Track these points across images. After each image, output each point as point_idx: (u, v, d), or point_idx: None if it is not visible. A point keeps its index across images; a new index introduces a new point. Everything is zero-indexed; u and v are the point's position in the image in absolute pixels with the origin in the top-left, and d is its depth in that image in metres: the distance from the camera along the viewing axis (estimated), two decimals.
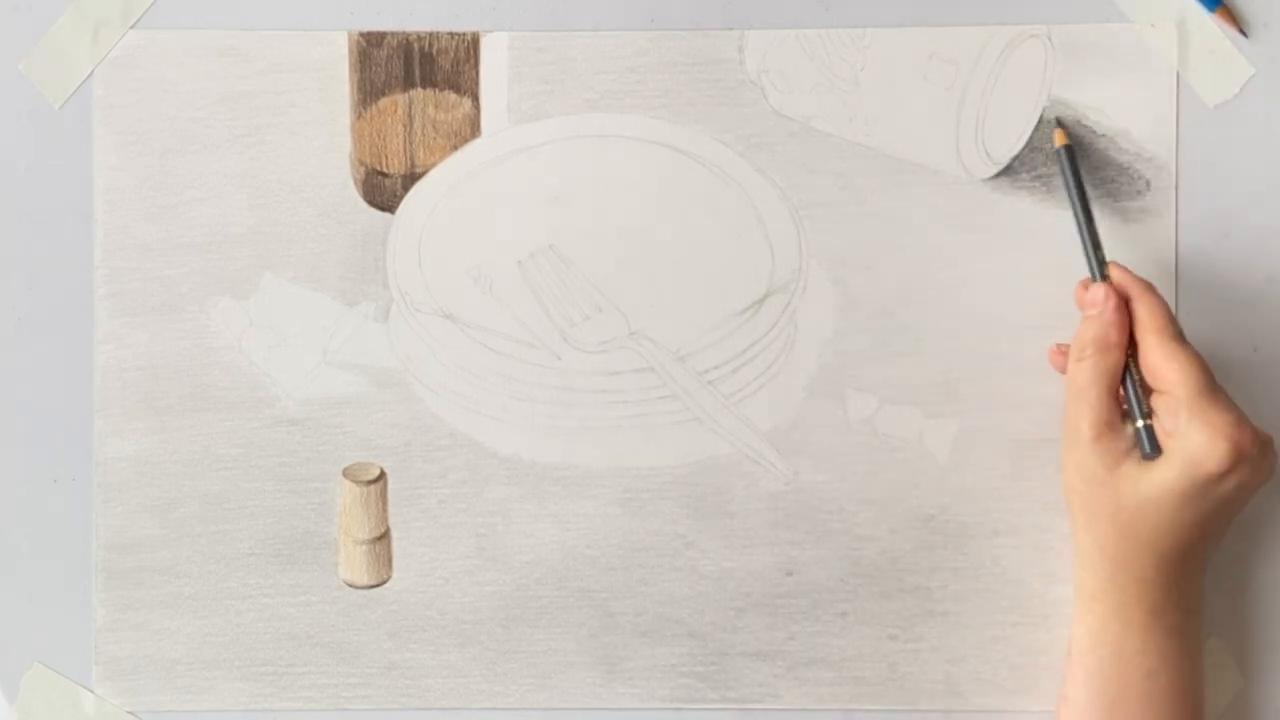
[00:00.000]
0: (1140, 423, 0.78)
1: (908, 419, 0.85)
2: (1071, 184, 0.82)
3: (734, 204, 0.85)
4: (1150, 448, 0.77)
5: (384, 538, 0.85)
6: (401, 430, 0.85)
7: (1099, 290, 0.80)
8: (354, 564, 0.85)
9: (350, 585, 0.85)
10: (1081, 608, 0.79)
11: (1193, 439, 0.75)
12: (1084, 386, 0.79)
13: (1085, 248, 0.81)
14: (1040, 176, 0.85)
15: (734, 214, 0.85)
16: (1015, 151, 0.85)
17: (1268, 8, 0.85)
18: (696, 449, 0.85)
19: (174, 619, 0.85)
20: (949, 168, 0.85)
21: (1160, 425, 0.77)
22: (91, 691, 0.85)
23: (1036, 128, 0.85)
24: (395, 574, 0.85)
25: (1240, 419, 0.76)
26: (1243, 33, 0.85)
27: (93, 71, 0.86)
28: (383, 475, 0.85)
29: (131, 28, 0.86)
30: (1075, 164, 0.82)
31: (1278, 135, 0.84)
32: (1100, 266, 0.81)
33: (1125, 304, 0.79)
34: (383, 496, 0.85)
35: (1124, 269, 0.80)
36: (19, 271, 0.86)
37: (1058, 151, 0.83)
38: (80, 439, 0.86)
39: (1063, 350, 0.81)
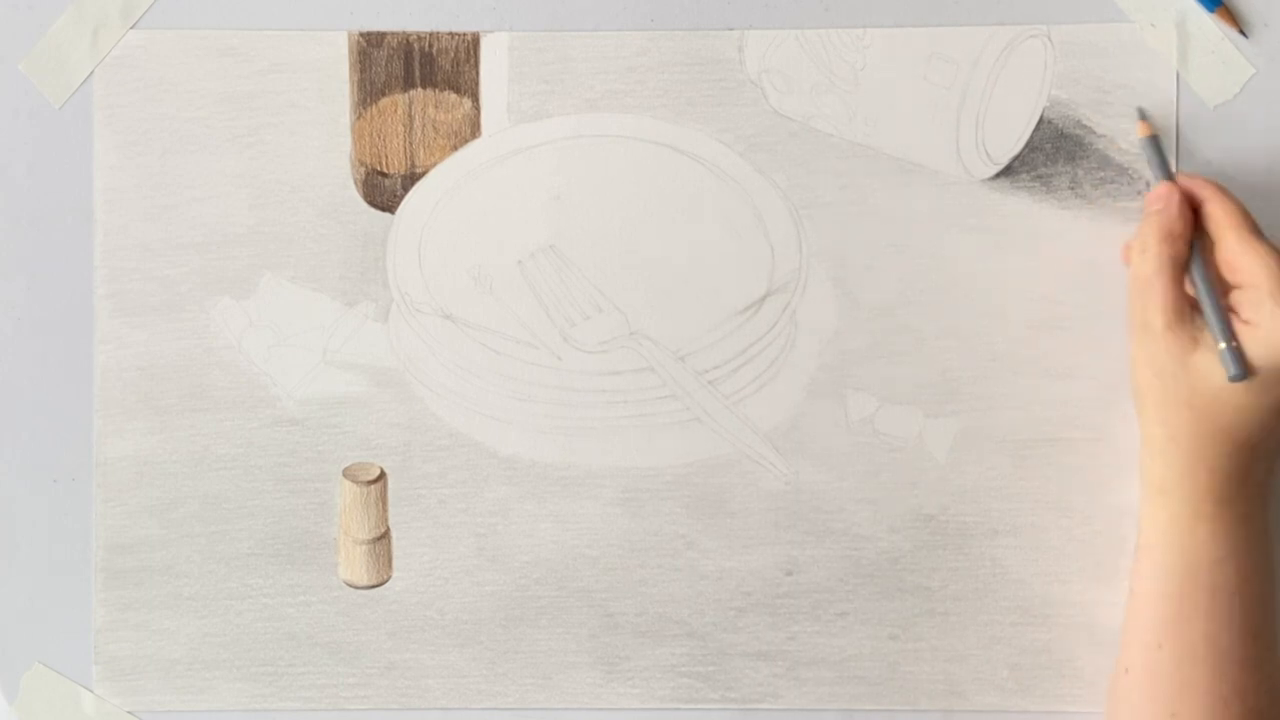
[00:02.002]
0: (1223, 345, 0.77)
1: (908, 419, 0.85)
2: (1158, 170, 0.82)
3: (734, 204, 0.85)
4: (1236, 368, 0.76)
5: (384, 538, 0.85)
6: (401, 430, 0.85)
7: (1162, 187, 0.80)
8: (354, 564, 0.85)
9: (350, 585, 0.85)
10: (1150, 501, 0.79)
11: (1271, 323, 0.76)
12: (1150, 277, 0.78)
13: (1152, 165, 0.82)
14: (1040, 176, 0.85)
15: (734, 214, 0.85)
16: (1015, 151, 0.85)
17: (1268, 8, 0.85)
18: (696, 449, 0.85)
19: (174, 619, 0.85)
20: (949, 168, 0.85)
21: (1239, 319, 0.77)
22: (91, 691, 0.85)
23: (1036, 128, 0.85)
24: (395, 574, 0.85)
25: None
26: (1243, 33, 0.85)
27: (93, 71, 0.86)
28: (383, 475, 0.85)
29: (131, 28, 0.86)
30: (1158, 147, 0.83)
31: (1278, 135, 0.84)
32: (1167, 174, 0.81)
33: (1193, 207, 0.80)
34: (383, 496, 0.85)
35: (1194, 175, 0.81)
36: (19, 271, 0.86)
37: (1143, 141, 0.83)
38: (80, 439, 0.86)
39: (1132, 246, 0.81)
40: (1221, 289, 0.79)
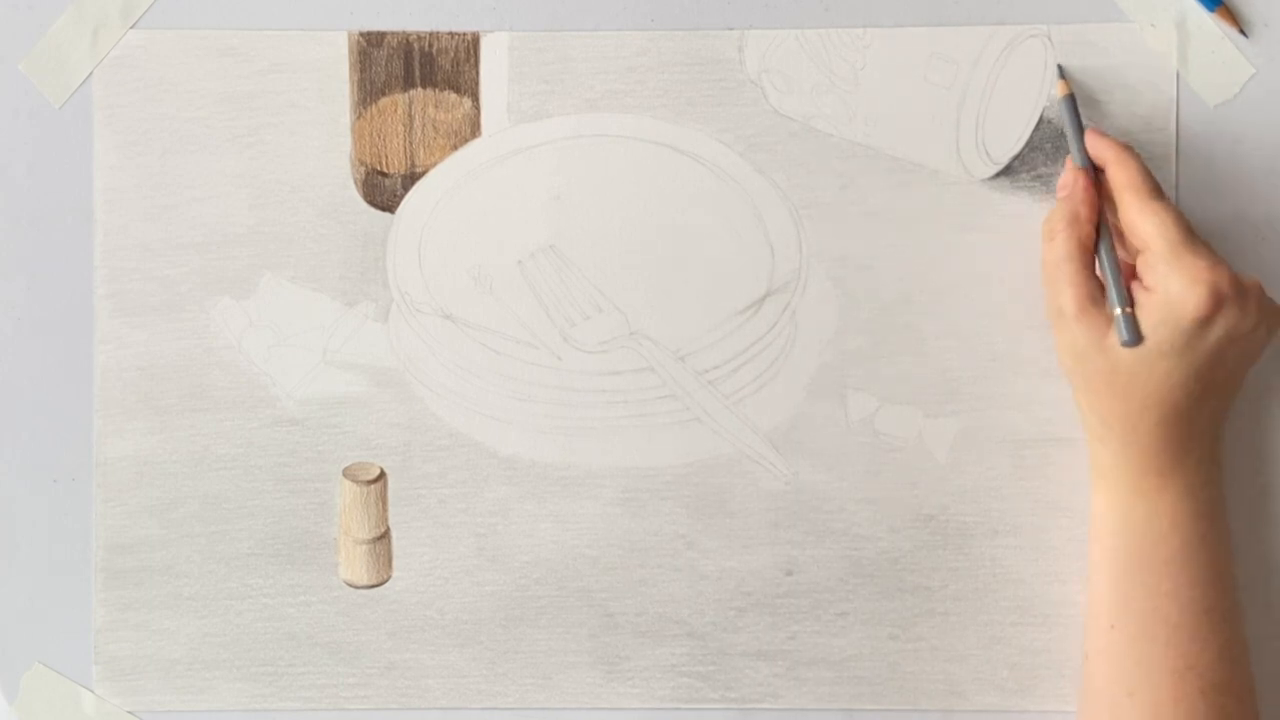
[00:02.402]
0: (1118, 310, 0.77)
1: (908, 419, 0.85)
2: (1068, 115, 0.82)
3: (734, 204, 0.85)
4: (1129, 334, 0.77)
5: (384, 538, 0.85)
6: (401, 430, 0.85)
7: (1068, 173, 0.81)
8: (354, 564, 0.85)
9: (350, 585, 0.85)
10: (1095, 486, 0.80)
11: (1171, 288, 0.76)
12: (1059, 263, 0.79)
13: (1071, 142, 0.82)
14: (1040, 176, 0.85)
15: (734, 214, 0.85)
16: (1015, 151, 0.85)
17: (1268, 8, 0.85)
18: (696, 449, 0.85)
19: (174, 619, 0.85)
20: (949, 168, 0.85)
21: (1142, 286, 0.77)
22: (91, 691, 0.85)
23: (1036, 128, 0.85)
24: (395, 574, 0.85)
25: (1216, 262, 0.76)
26: (1243, 33, 0.85)
27: (93, 71, 0.86)
28: (383, 475, 0.85)
29: (131, 28, 0.86)
30: (1074, 106, 0.83)
31: (1278, 135, 0.84)
32: (1081, 153, 0.81)
33: (1098, 178, 0.80)
34: (383, 496, 0.85)
35: (1100, 135, 0.81)
36: (19, 271, 0.86)
37: (1060, 100, 0.83)
38: (80, 439, 0.86)
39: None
40: (1129, 254, 0.79)
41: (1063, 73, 0.84)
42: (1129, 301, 0.77)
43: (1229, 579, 0.79)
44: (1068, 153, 0.83)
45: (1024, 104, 0.85)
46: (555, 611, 0.85)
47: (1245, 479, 0.84)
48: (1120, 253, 0.80)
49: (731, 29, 0.85)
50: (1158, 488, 0.78)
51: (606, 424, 0.85)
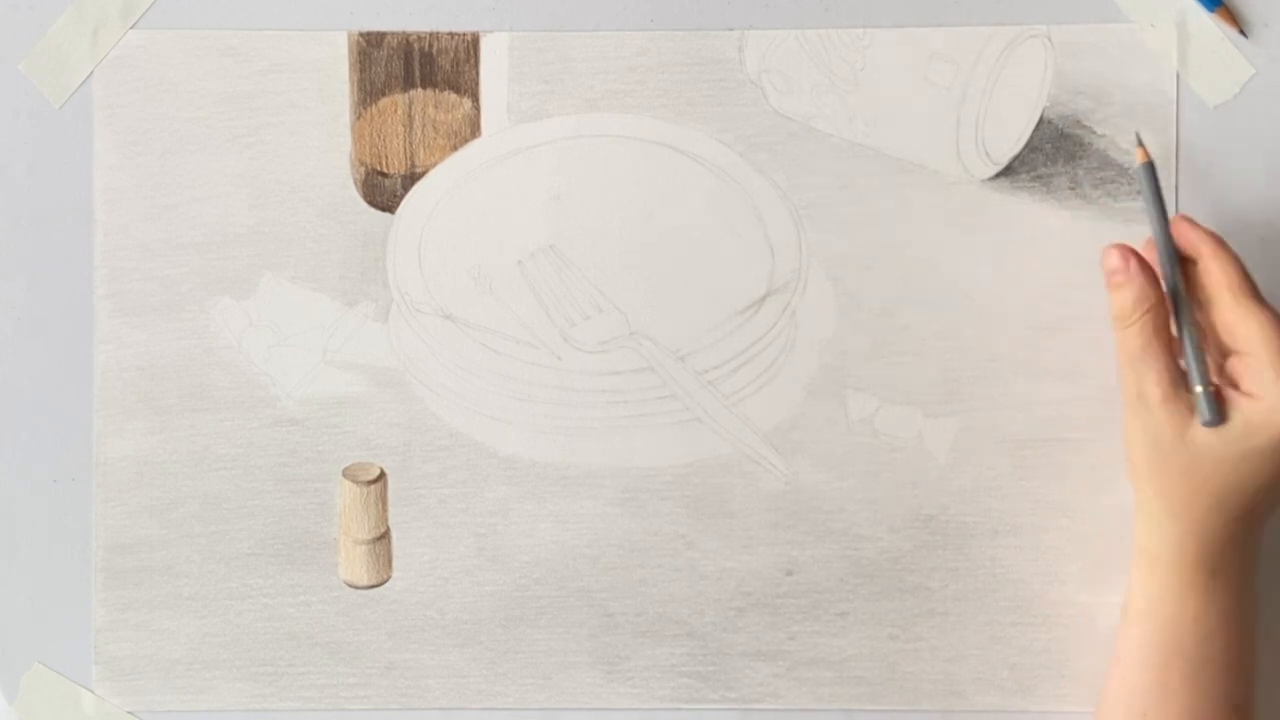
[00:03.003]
0: (1199, 388, 0.76)
1: (908, 419, 0.85)
2: (1150, 197, 0.80)
3: (734, 204, 0.85)
4: (1211, 414, 0.75)
5: (384, 538, 0.85)
6: (401, 430, 0.85)
7: (1113, 256, 0.78)
8: (354, 564, 0.85)
9: (350, 585, 0.85)
10: (1141, 570, 0.78)
11: (1275, 393, 0.74)
12: (1141, 349, 0.77)
13: (1152, 220, 0.79)
14: (1040, 176, 0.85)
15: (734, 214, 0.85)
16: (1015, 152, 0.85)
17: (1268, 8, 0.85)
18: (696, 449, 0.85)
19: (174, 619, 0.85)
20: (949, 168, 0.85)
21: (1240, 391, 0.76)
22: (91, 691, 0.85)
23: (1036, 128, 0.85)
24: (395, 574, 0.85)
25: None
26: (1243, 33, 0.85)
27: (93, 71, 0.86)
28: (383, 475, 0.85)
29: (131, 28, 0.86)
30: (1155, 179, 0.80)
31: (1278, 135, 0.84)
32: (1162, 234, 0.78)
33: (1184, 259, 0.78)
34: (383, 496, 0.85)
35: (1192, 223, 0.78)
36: (19, 271, 0.86)
37: (1140, 167, 0.81)
38: (80, 439, 0.86)
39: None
40: (1218, 349, 0.78)
41: (1140, 140, 0.81)
42: (1209, 380, 0.76)
43: (1254, 678, 0.79)
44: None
45: (1024, 104, 0.85)
46: (555, 611, 0.85)
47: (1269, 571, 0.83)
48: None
49: (731, 29, 0.85)
50: (1209, 586, 0.77)
51: (606, 424, 0.85)
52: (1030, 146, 0.85)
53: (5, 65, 0.86)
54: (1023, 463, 0.84)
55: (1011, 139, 0.85)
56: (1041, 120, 0.85)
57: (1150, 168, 0.80)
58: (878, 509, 0.85)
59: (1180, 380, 0.77)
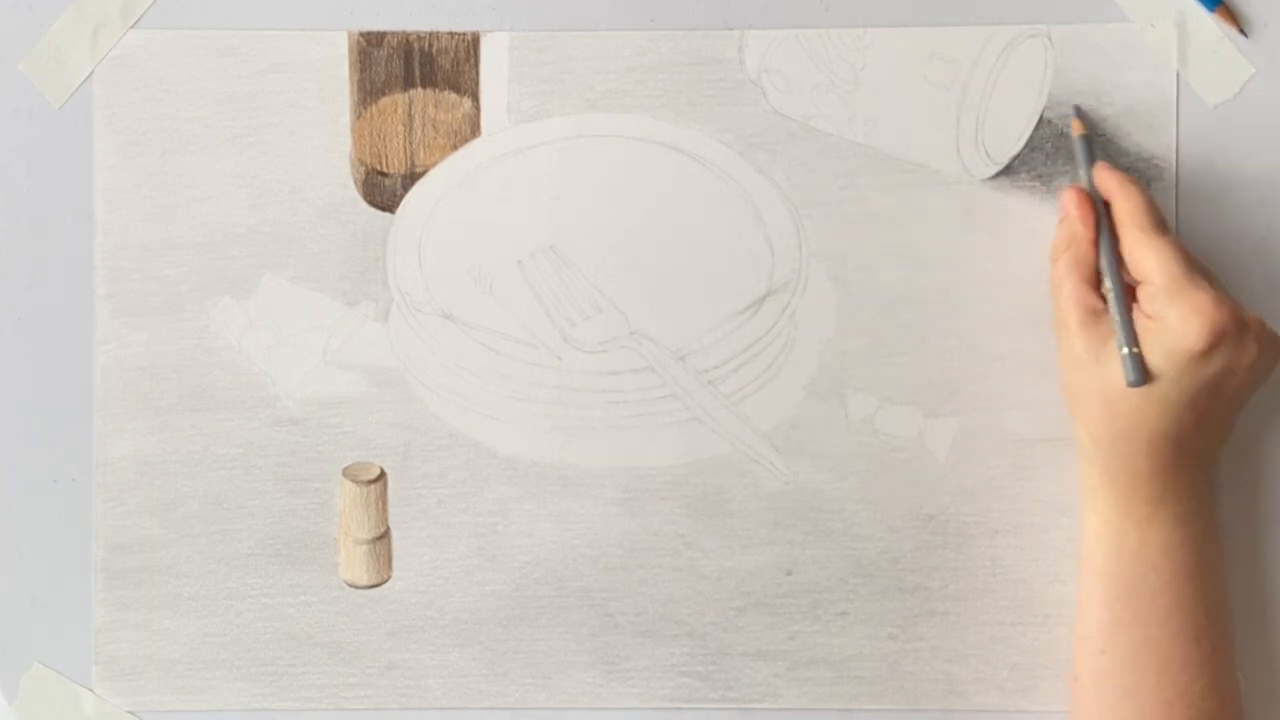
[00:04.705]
0: (1125, 350, 0.77)
1: (908, 419, 0.85)
2: (1082, 153, 0.83)
3: (734, 204, 0.85)
4: (1136, 374, 0.77)
5: (384, 538, 0.85)
6: (401, 430, 0.85)
7: (1066, 194, 0.81)
8: (354, 564, 0.85)
9: (350, 585, 0.85)
10: (1084, 505, 0.80)
11: (1169, 319, 0.76)
12: (1060, 279, 0.80)
13: (1082, 176, 0.83)
14: (1040, 176, 0.85)
15: (734, 214, 0.85)
16: (1015, 151, 0.85)
17: (1268, 8, 0.85)
18: (696, 449, 0.85)
19: (174, 619, 0.85)
20: (949, 168, 0.85)
21: (1141, 315, 0.77)
22: (91, 691, 0.85)
23: (1036, 127, 0.85)
24: (395, 574, 0.85)
25: (1219, 298, 0.76)
26: (1243, 33, 0.85)
27: (93, 71, 0.86)
28: (383, 475, 0.85)
29: (131, 28, 0.86)
30: (1089, 146, 0.83)
31: (1278, 135, 0.84)
32: (1090, 186, 0.82)
33: (1104, 206, 0.80)
34: (383, 496, 0.85)
35: (1110, 169, 0.81)
36: (19, 271, 0.86)
37: (1076, 139, 0.83)
38: (80, 439, 0.86)
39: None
40: (1131, 287, 0.79)
41: (1079, 112, 0.84)
42: (1136, 342, 0.77)
43: (1222, 609, 0.79)
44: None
45: (1024, 104, 0.85)
46: (555, 611, 0.85)
47: (1244, 507, 0.84)
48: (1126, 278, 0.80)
49: (731, 29, 0.85)
50: (1147, 515, 0.78)
51: (606, 424, 0.85)
52: (1030, 146, 0.85)
53: (5, 65, 0.86)
54: (1023, 463, 0.84)
55: (1011, 139, 0.85)
56: (1041, 120, 0.85)
57: (1087, 140, 0.83)
58: (878, 509, 0.85)
59: (1096, 309, 0.79)
